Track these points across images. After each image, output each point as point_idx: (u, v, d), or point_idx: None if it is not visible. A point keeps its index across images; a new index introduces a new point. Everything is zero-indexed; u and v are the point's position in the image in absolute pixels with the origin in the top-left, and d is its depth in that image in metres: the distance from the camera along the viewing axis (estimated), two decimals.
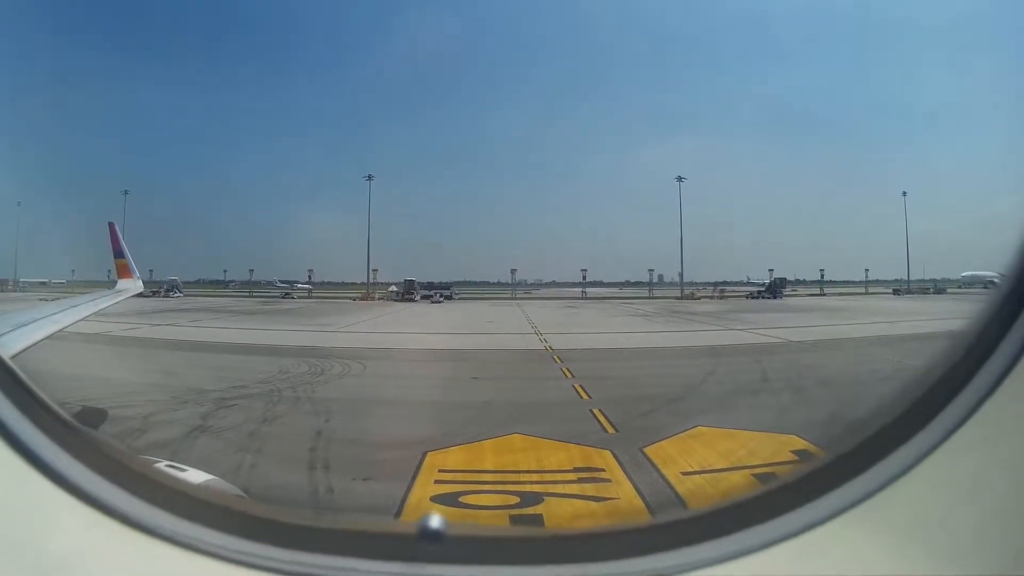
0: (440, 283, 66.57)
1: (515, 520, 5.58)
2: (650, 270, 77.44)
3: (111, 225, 10.85)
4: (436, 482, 6.73)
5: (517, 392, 12.47)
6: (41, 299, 31.18)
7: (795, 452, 7.46)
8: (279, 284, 71.94)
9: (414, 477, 6.83)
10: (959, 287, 65.02)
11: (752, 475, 6.65)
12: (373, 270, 69.26)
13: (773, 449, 7.72)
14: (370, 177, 68.49)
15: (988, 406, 1.34)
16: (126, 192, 66.12)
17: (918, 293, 64.21)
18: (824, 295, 66.99)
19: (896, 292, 66.50)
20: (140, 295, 11.21)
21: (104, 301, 7.68)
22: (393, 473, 6.96)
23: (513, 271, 74.47)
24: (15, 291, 59.70)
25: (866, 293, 68.53)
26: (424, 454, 7.65)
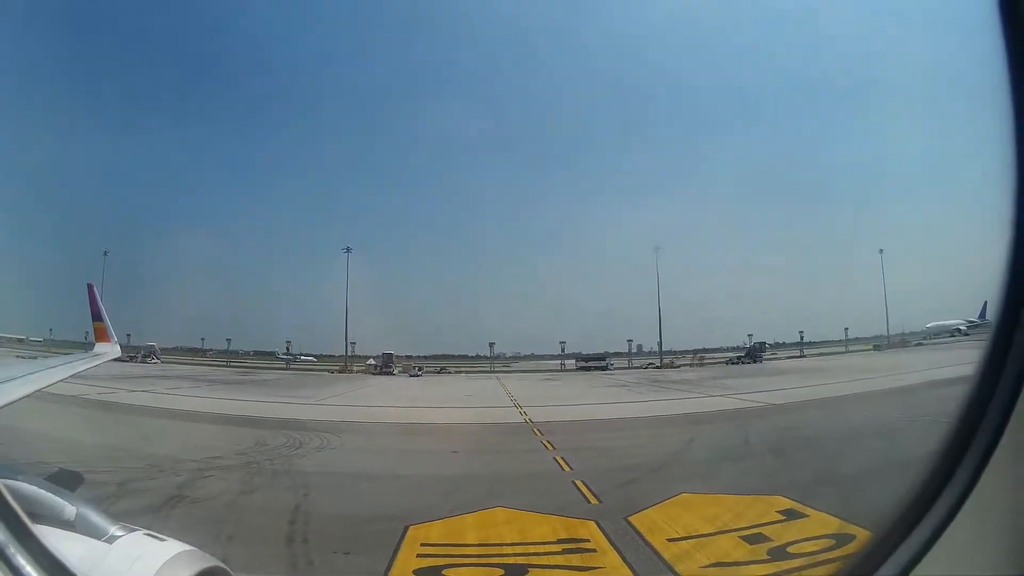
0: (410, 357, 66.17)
1: None
2: (629, 340, 77.40)
3: (89, 286, 10.78)
4: (419, 556, 6.58)
5: (502, 466, 12.28)
6: (18, 356, 29.98)
7: (781, 512, 7.48)
8: (281, 356, 70.06)
9: (396, 551, 6.67)
10: (923, 339, 65.13)
11: (739, 537, 6.65)
12: (351, 343, 68.39)
13: (760, 511, 7.72)
14: (348, 250, 68.92)
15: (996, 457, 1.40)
16: (105, 253, 65.12)
17: (899, 347, 64.37)
18: (804, 356, 66.97)
19: (877, 348, 66.18)
20: (117, 359, 10.94)
21: (81, 364, 7.61)
22: (374, 546, 6.77)
23: (491, 344, 74.09)
24: None
25: (846, 351, 68.62)
26: (406, 528, 7.48)
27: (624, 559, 6.22)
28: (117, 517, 1.98)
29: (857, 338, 74.96)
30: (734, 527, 7.09)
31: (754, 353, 64.80)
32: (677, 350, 73.85)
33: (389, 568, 6.14)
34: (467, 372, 62.56)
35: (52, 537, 1.63)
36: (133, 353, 53.96)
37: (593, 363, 66.59)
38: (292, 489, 9.66)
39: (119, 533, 1.76)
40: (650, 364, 66.88)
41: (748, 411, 19.95)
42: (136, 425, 16.07)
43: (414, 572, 6.04)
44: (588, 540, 6.93)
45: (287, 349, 71.30)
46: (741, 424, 16.73)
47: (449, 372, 63.36)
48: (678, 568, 5.83)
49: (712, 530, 7.08)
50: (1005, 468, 1.39)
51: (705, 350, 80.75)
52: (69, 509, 1.84)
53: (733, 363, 62.62)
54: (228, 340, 73.77)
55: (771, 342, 76.95)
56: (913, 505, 1.49)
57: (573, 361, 73.03)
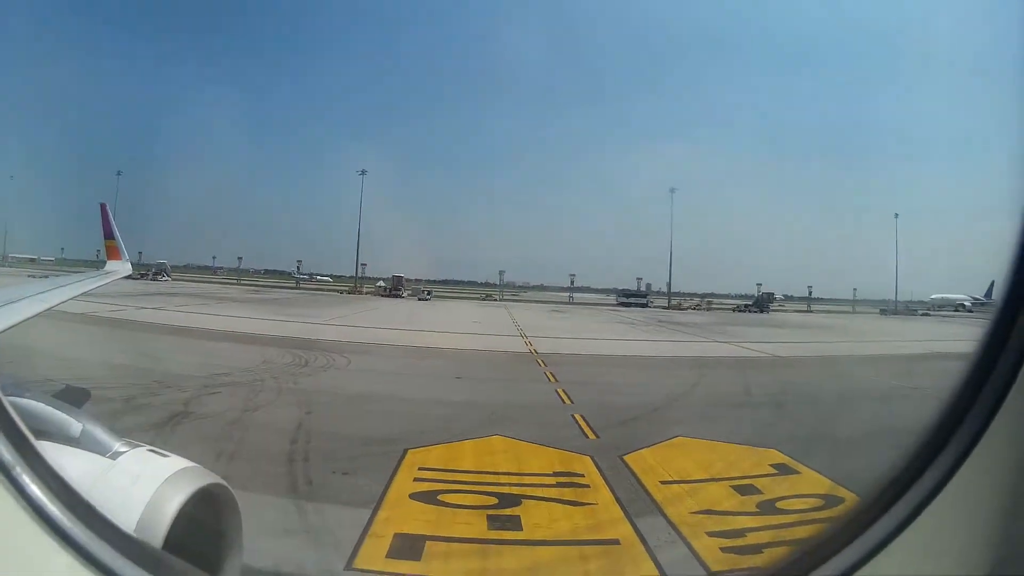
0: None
1: (492, 521, 5.58)
2: (638, 279, 77.78)
3: (102, 206, 10.76)
4: (415, 479, 6.71)
5: (504, 394, 12.48)
6: (30, 275, 30.69)
7: (774, 466, 7.52)
8: (296, 276, 71.54)
9: (394, 473, 6.82)
10: (928, 310, 66.69)
11: (731, 486, 6.69)
12: (362, 264, 68.97)
13: (753, 462, 7.76)
14: (363, 172, 68.30)
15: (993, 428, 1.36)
16: (119, 173, 65.67)
17: (904, 314, 64.73)
18: (811, 312, 67.72)
19: (883, 312, 67.01)
20: (128, 277, 11.03)
21: (92, 282, 7.53)
22: (373, 468, 6.93)
23: (501, 272, 74.61)
24: (2, 266, 58.67)
25: (853, 312, 69.59)
26: (405, 451, 7.64)
27: (616, 497, 6.30)
28: (122, 434, 1.96)
29: (865, 300, 75.88)
30: (726, 476, 7.13)
31: (762, 303, 65.56)
32: (686, 292, 75.07)
33: (386, 490, 6.27)
34: (474, 299, 63.36)
35: (56, 453, 1.63)
36: (144, 271, 54.90)
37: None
38: (296, 407, 9.87)
39: (123, 449, 1.79)
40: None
41: (754, 360, 20.08)
42: (144, 342, 16.41)
43: (410, 495, 6.18)
44: (583, 475, 7.02)
45: (298, 268, 72.47)
46: (745, 372, 16.81)
47: (458, 297, 64.34)
48: (668, 511, 5.88)
49: (705, 476, 7.13)
50: (991, 454, 1.37)
51: (714, 295, 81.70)
52: (75, 426, 1.87)
53: (740, 311, 63.45)
54: (239, 258, 74.97)
55: (780, 295, 78.92)
56: (896, 480, 1.46)
57: (582, 295, 73.82)
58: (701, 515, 5.80)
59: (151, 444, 1.88)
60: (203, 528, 1.72)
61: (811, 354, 22.33)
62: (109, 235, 10.26)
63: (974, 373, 1.46)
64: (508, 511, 5.85)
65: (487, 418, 9.77)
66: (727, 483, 6.84)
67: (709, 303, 72.01)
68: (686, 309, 64.46)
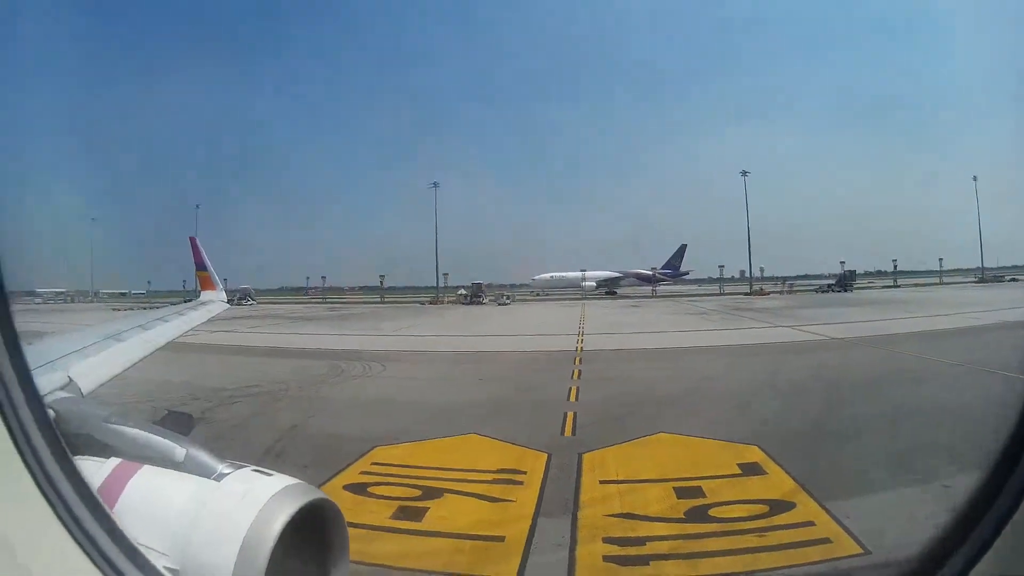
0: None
1: (399, 512, 5.71)
2: (720, 266, 74.68)
3: (192, 239, 10.94)
4: (361, 472, 7.02)
5: (513, 393, 12.52)
6: (127, 309, 34.29)
7: (743, 465, 6.99)
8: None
9: (346, 467, 7.17)
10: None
11: (674, 487, 6.28)
12: (444, 274, 71.21)
13: (722, 461, 7.25)
14: (436, 184, 70.55)
15: None
16: (197, 207, 69.44)
17: (992, 283, 59.88)
18: (898, 287, 62.97)
19: (982, 281, 62.21)
20: None
21: (198, 315, 7.72)
22: (334, 463, 7.28)
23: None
24: (94, 301, 65.39)
25: (940, 283, 64.69)
26: (372, 448, 7.99)
27: (541, 495, 6.17)
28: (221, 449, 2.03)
29: (957, 269, 72.67)
30: (680, 476, 6.68)
31: (844, 281, 61.61)
32: (777, 276, 72.52)
33: (326, 481, 6.53)
34: (559, 300, 63.35)
35: (161, 478, 1.79)
36: (229, 297, 59.18)
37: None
38: (301, 412, 10.51)
39: (227, 471, 1.83)
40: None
41: (802, 344, 18.87)
42: (198, 362, 17.30)
43: (344, 486, 6.43)
44: (525, 473, 6.91)
45: (382, 283, 75.84)
46: (783, 358, 15.87)
47: (544, 300, 64.60)
48: (583, 512, 5.68)
49: (654, 476, 6.74)
50: None
51: (806, 277, 76.26)
52: (178, 451, 1.91)
53: (823, 291, 59.82)
54: (323, 278, 78.45)
55: (867, 271, 76.61)
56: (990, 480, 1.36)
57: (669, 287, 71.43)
58: (616, 518, 5.53)
59: (256, 465, 1.91)
60: (309, 544, 1.75)
61: (872, 333, 20.46)
62: (201, 267, 10.40)
63: None
64: (420, 503, 5.96)
65: (479, 418, 9.80)
66: (673, 484, 6.41)
67: (791, 286, 68.13)
68: (768, 294, 61.16)
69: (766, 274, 72.59)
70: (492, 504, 6.02)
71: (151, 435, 1.99)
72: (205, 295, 9.76)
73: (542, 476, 6.77)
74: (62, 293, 70.85)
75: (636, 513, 5.63)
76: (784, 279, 71.42)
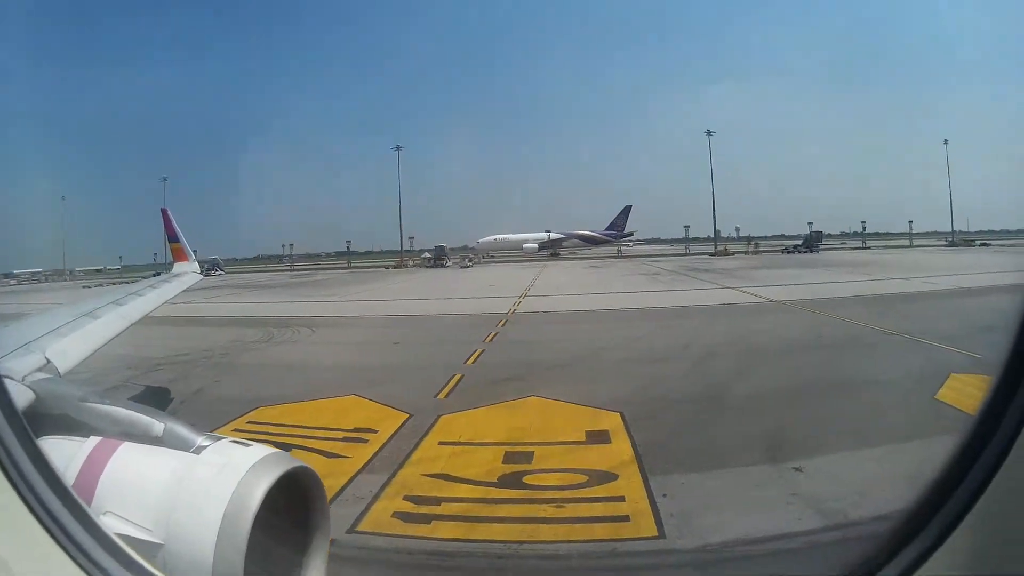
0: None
1: None
2: (686, 227, 76.05)
3: (163, 211, 10.81)
4: (235, 430, 7.24)
5: (416, 356, 12.79)
6: (99, 284, 33.47)
7: (592, 433, 6.91)
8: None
9: (222, 425, 7.41)
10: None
11: (506, 452, 6.40)
12: (409, 237, 70.73)
13: (577, 425, 7.21)
14: (398, 148, 69.93)
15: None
16: (165, 179, 69.85)
17: (961, 247, 59.90)
18: (867, 248, 63.53)
19: (952, 245, 62.86)
20: None
21: (171, 288, 7.76)
22: (213, 422, 7.47)
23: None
24: (68, 280, 64.32)
25: (910, 246, 65.19)
26: (252, 409, 8.43)
27: (375, 454, 6.42)
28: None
29: (932, 232, 73.45)
30: (518, 440, 6.79)
31: (810, 242, 62.50)
32: (753, 237, 74.16)
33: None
34: (520, 262, 63.43)
35: (142, 454, 1.83)
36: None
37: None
38: (211, 377, 10.87)
39: (205, 443, 1.85)
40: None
41: (738, 307, 19.10)
42: (144, 334, 17.39)
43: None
44: (376, 432, 7.12)
45: (347, 248, 74.71)
46: (712, 321, 16.14)
47: (508, 262, 64.59)
48: (403, 471, 5.88)
49: (494, 440, 6.89)
50: None
51: (782, 237, 77.35)
52: (157, 426, 1.95)
53: (788, 252, 60.47)
54: (290, 245, 76.87)
55: (838, 232, 79.62)
56: (940, 482, 1.36)
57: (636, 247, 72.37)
58: (430, 478, 5.74)
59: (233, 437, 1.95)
60: (290, 511, 1.79)
61: (814, 296, 20.47)
62: (174, 238, 10.30)
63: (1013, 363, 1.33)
64: None
65: (368, 379, 10.03)
66: (506, 448, 6.53)
67: (756, 246, 69.34)
68: (733, 254, 62.12)
69: (742, 234, 74.30)
70: (328, 460, 6.24)
71: (130, 412, 2.05)
72: (178, 267, 9.75)
73: (389, 436, 7.02)
74: (38, 273, 70.70)
75: (452, 475, 5.79)
76: (750, 239, 72.55)
